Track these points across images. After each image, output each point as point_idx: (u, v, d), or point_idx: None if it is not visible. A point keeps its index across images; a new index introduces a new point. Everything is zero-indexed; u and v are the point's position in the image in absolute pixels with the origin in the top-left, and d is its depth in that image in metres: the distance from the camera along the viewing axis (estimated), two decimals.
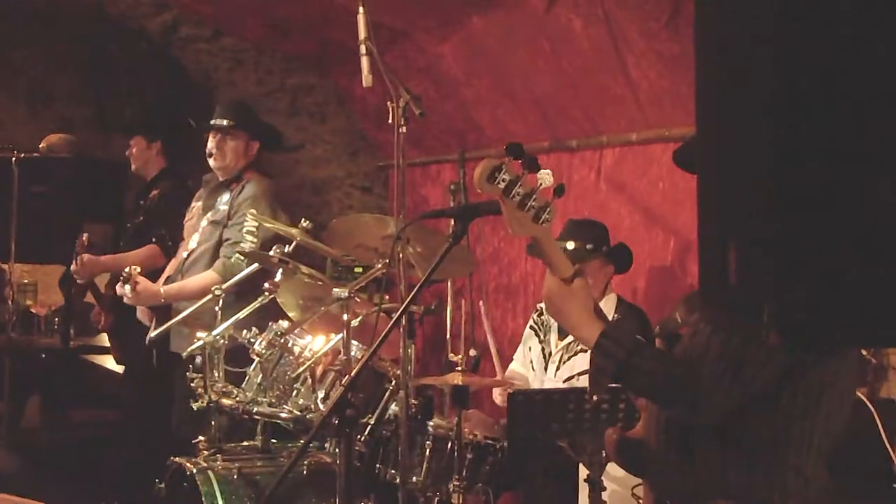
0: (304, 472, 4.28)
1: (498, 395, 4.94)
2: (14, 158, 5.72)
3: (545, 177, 2.42)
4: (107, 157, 9.05)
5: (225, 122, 5.38)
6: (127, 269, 5.07)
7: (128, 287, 5.07)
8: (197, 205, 5.57)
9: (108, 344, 8.41)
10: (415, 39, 6.29)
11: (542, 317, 5.08)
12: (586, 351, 4.68)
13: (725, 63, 2.14)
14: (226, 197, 5.34)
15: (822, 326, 1.94)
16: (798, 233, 2.00)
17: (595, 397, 2.85)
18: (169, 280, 5.41)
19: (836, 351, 2.37)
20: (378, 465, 4.57)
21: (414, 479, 4.46)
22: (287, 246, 4.60)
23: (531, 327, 5.12)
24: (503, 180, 2.37)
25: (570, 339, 4.83)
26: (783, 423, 2.39)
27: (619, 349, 2.43)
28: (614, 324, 2.56)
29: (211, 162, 5.40)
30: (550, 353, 4.92)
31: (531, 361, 5.05)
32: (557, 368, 4.84)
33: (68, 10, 8.45)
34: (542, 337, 5.02)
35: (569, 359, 4.80)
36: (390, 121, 3.88)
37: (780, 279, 1.99)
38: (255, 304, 4.58)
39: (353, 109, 7.73)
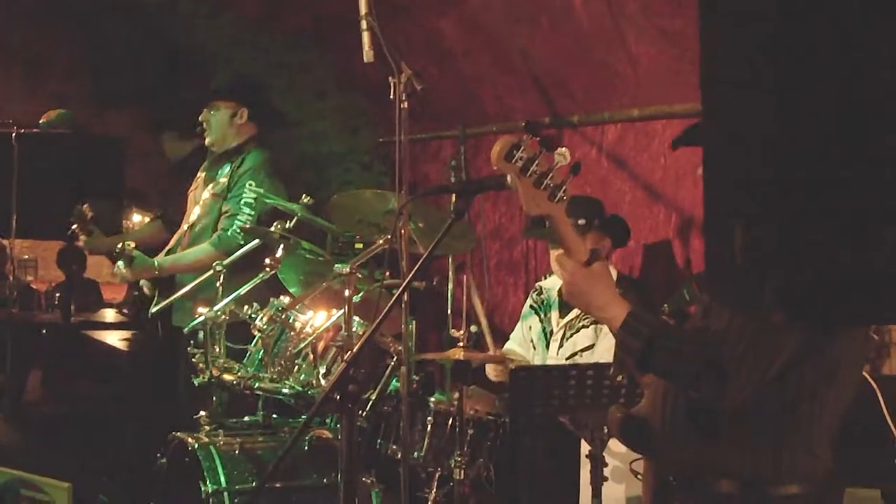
0: (305, 448, 4.28)
1: (491, 371, 4.95)
2: (14, 134, 5.69)
3: (562, 155, 2.41)
4: (103, 132, 9.05)
5: (208, 99, 5.38)
6: (119, 244, 5.05)
7: (121, 262, 5.06)
8: (201, 175, 5.55)
9: (108, 319, 8.46)
10: (414, 14, 6.27)
11: (542, 295, 5.07)
12: (587, 327, 4.74)
13: (730, 40, 2.13)
14: (226, 169, 5.32)
15: (826, 304, 1.94)
16: (802, 211, 2.00)
17: (620, 378, 2.84)
18: (170, 252, 5.40)
19: (845, 330, 2.37)
20: (379, 441, 4.58)
21: (415, 454, 4.48)
22: (288, 221, 4.60)
23: (531, 306, 5.12)
24: (520, 158, 2.37)
25: (571, 316, 4.84)
26: (792, 401, 2.38)
27: (646, 329, 2.41)
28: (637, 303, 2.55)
29: (206, 141, 5.40)
30: (552, 332, 4.92)
31: (532, 340, 5.05)
32: (560, 346, 4.84)
33: None
34: (542, 315, 5.01)
35: (571, 336, 4.81)
36: (392, 96, 3.87)
37: (784, 257, 1.99)
38: (256, 280, 4.57)
39: (353, 85, 7.71)
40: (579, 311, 4.78)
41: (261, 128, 5.46)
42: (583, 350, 4.74)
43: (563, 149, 2.41)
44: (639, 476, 3.95)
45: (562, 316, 4.91)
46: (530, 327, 5.07)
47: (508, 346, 5.22)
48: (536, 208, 2.41)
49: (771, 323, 2.16)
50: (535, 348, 5.01)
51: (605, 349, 4.58)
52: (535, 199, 2.40)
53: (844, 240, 1.98)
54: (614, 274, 4.86)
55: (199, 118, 5.36)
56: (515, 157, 2.37)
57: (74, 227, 5.34)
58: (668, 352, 2.41)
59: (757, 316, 2.22)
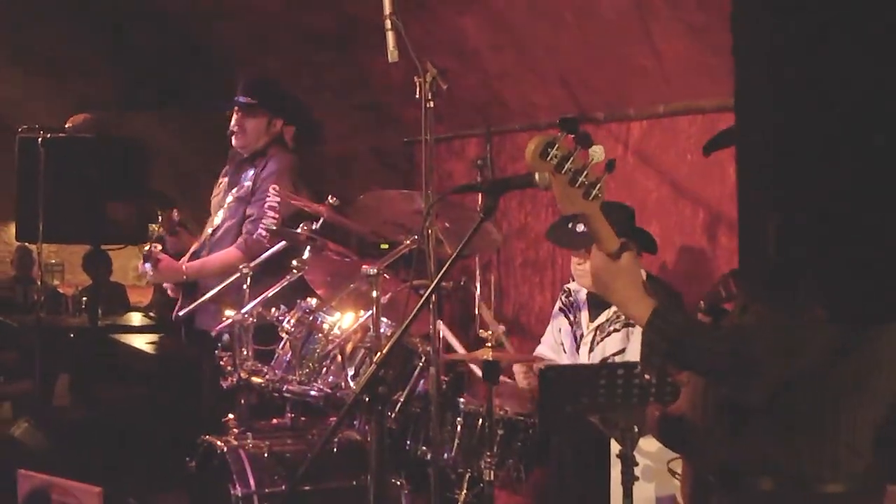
0: (334, 450, 4.27)
1: (522, 379, 4.91)
2: (39, 139, 5.70)
3: (597, 152, 2.38)
4: (126, 134, 9.08)
5: (245, 100, 5.34)
6: (147, 247, 5.07)
7: (149, 265, 5.07)
8: (224, 180, 5.54)
9: (135, 323, 8.48)
10: (437, 12, 6.24)
11: (570, 297, 5.03)
12: (619, 331, 4.69)
13: (763, 34, 2.11)
14: (250, 173, 5.31)
15: (867, 299, 1.92)
16: (838, 205, 1.97)
17: (648, 376, 2.81)
18: (194, 256, 5.40)
19: (885, 324, 2.34)
20: (408, 442, 4.57)
21: (445, 455, 4.46)
22: (314, 223, 4.59)
23: (560, 308, 5.08)
24: (555, 156, 2.34)
25: (602, 319, 4.79)
26: (833, 397, 2.36)
27: (672, 327, 2.39)
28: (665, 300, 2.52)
29: (233, 140, 5.37)
30: (582, 335, 4.88)
31: (561, 343, 5.01)
32: (590, 350, 4.79)
33: None
34: (572, 318, 4.97)
35: (601, 340, 4.76)
36: (417, 96, 3.85)
37: (821, 252, 1.97)
38: (283, 282, 4.56)
39: (376, 85, 7.70)
40: (610, 315, 4.75)
41: (283, 132, 5.44)
42: (613, 355, 4.70)
43: (598, 146, 2.38)
44: (677, 476, 3.92)
45: (591, 319, 4.86)
46: (559, 329, 5.03)
47: (540, 349, 5.19)
48: (571, 206, 2.39)
49: (811, 318, 2.13)
50: (565, 351, 4.97)
51: (635, 352, 4.54)
52: (570, 197, 2.37)
53: (882, 233, 1.96)
54: (642, 275, 4.81)
55: (233, 122, 5.34)
56: (550, 155, 2.34)
57: (160, 228, 5.35)
58: (693, 349, 2.39)
59: (795, 312, 2.20)
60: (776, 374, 2.35)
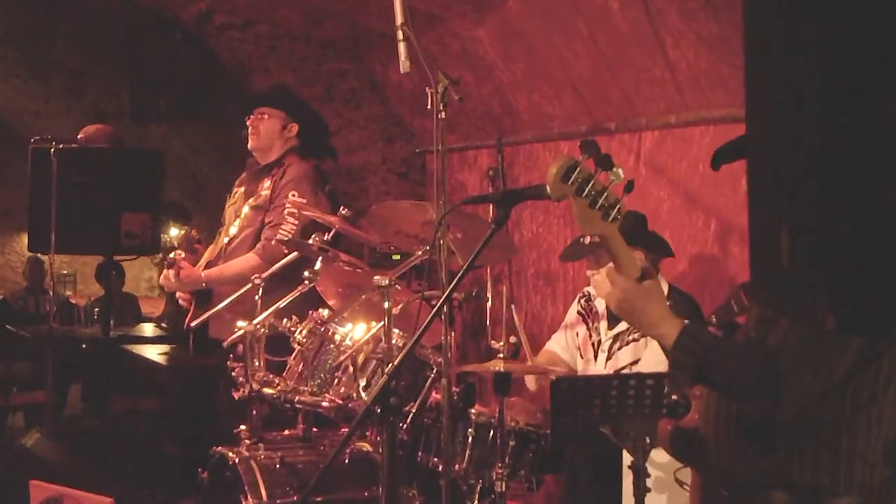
0: (346, 461, 4.26)
1: (533, 382, 4.91)
2: (52, 149, 5.72)
3: (616, 174, 2.40)
4: (142, 146, 9.11)
5: (260, 102, 5.38)
6: (171, 255, 5.09)
7: (171, 272, 5.09)
8: (239, 190, 5.55)
9: (147, 333, 8.50)
10: (450, 23, 6.26)
11: (591, 302, 5.02)
12: (637, 341, 4.68)
13: (774, 45, 2.10)
14: (267, 182, 5.32)
15: (880, 311, 1.91)
16: (852, 214, 1.97)
17: (675, 396, 2.82)
18: (209, 265, 5.41)
19: None
20: (420, 453, 4.56)
21: (456, 466, 4.45)
22: (326, 234, 4.59)
23: (579, 312, 5.07)
24: (576, 180, 2.35)
25: (620, 328, 4.78)
26: (850, 410, 2.35)
27: (700, 346, 2.39)
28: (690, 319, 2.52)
29: (249, 144, 5.39)
30: (599, 342, 4.87)
31: (578, 348, 5.00)
32: (608, 358, 4.79)
33: (102, 0, 8.49)
34: (590, 324, 4.96)
35: (619, 349, 4.75)
36: (429, 106, 3.84)
37: (834, 263, 1.96)
38: (295, 293, 4.56)
39: (388, 95, 7.72)
40: (629, 325, 4.74)
41: (302, 140, 5.45)
42: (630, 364, 4.69)
43: (618, 168, 2.40)
44: (685, 486, 3.90)
45: (610, 327, 4.85)
46: (577, 334, 5.02)
47: (550, 347, 5.17)
48: (591, 228, 2.41)
49: (825, 330, 2.12)
50: (581, 356, 4.96)
51: (651, 362, 4.53)
52: (590, 219, 2.39)
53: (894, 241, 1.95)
54: (665, 287, 4.80)
55: (248, 122, 5.36)
56: (572, 179, 2.35)
57: (179, 248, 5.39)
58: (723, 368, 2.38)
59: (813, 324, 2.19)
60: (805, 390, 2.34)
